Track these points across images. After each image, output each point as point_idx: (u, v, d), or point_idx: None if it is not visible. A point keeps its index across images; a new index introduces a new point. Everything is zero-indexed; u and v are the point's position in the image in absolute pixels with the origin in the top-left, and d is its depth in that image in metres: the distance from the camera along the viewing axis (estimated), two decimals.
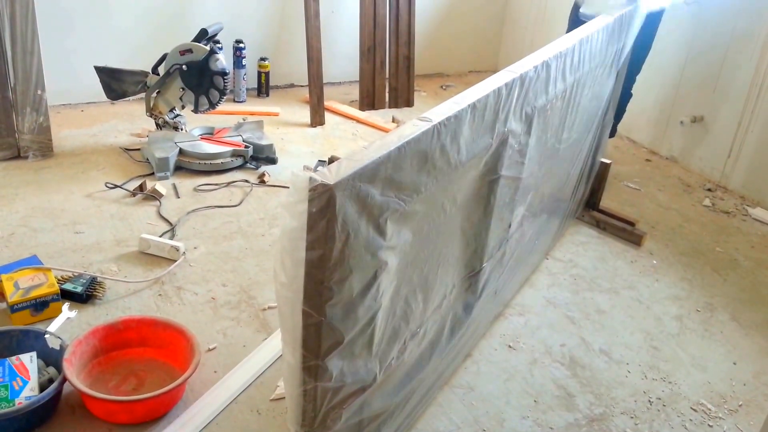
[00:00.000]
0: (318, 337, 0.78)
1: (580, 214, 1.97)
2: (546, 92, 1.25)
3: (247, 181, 2.07)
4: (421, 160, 0.87)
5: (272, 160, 2.20)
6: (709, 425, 1.26)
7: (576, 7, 1.95)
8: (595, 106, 1.76)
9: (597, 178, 1.90)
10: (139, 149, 2.20)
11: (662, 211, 2.10)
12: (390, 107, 2.81)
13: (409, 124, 0.87)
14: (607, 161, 1.92)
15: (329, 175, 0.71)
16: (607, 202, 2.01)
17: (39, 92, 2.00)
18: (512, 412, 1.24)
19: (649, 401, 1.31)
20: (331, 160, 1.87)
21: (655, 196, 2.20)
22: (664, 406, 1.30)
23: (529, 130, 1.22)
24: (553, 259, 1.77)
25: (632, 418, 1.27)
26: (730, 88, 2.21)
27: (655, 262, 1.81)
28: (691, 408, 1.30)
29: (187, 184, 2.02)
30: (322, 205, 0.71)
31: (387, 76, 2.78)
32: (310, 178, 0.70)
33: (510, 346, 1.42)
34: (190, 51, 2.11)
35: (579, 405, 1.28)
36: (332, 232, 0.73)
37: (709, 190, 2.27)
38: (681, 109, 2.40)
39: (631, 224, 1.91)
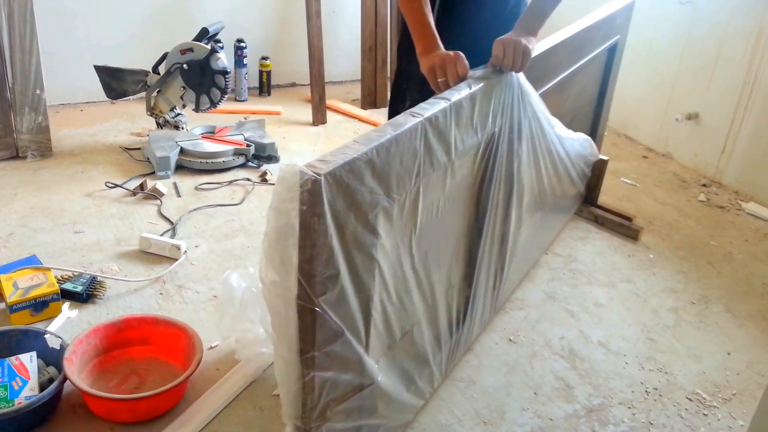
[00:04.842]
0: (313, 329, 0.78)
1: (579, 210, 1.98)
2: (536, 86, 1.26)
3: (248, 179, 2.07)
4: (411, 157, 0.87)
5: (274, 159, 2.21)
6: (704, 414, 1.28)
7: None
8: (585, 99, 1.78)
9: (595, 175, 1.92)
10: (139, 148, 2.21)
11: (658, 207, 2.12)
12: None
13: (397, 119, 0.87)
14: (605, 158, 1.93)
15: (318, 168, 0.71)
16: (604, 197, 2.02)
17: (38, 92, 2.00)
18: (513, 404, 1.26)
19: (646, 391, 1.33)
20: None
21: (652, 191, 2.22)
22: (660, 396, 1.32)
23: (519, 126, 1.23)
24: (552, 254, 1.79)
25: (629, 408, 1.28)
26: (724, 85, 2.23)
27: (651, 256, 1.83)
28: (687, 397, 1.32)
29: (188, 183, 2.03)
30: (313, 198, 0.70)
31: (388, 74, 2.79)
32: (300, 172, 0.70)
33: (510, 340, 1.44)
34: (191, 50, 2.12)
35: (578, 396, 1.30)
36: (324, 227, 0.73)
37: (704, 185, 2.29)
38: (676, 107, 2.42)
39: (629, 219, 1.93)
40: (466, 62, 1.07)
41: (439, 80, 1.07)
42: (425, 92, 1.09)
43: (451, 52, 1.08)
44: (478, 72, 1.10)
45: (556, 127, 1.39)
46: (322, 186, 0.71)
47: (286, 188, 0.71)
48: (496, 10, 1.31)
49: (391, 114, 1.37)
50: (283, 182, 0.71)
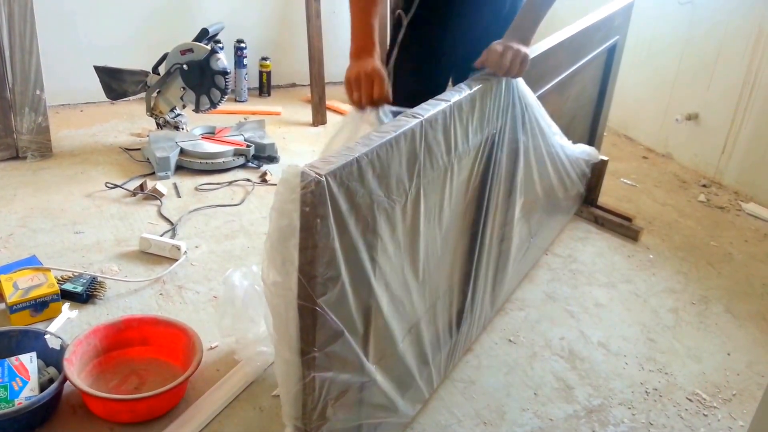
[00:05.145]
0: (314, 329, 0.79)
1: (579, 210, 1.99)
2: (535, 86, 1.26)
3: (248, 180, 2.07)
4: (411, 158, 0.87)
5: (274, 159, 2.21)
6: (704, 414, 1.28)
7: None
8: (584, 100, 1.78)
9: (595, 175, 1.93)
10: (139, 149, 2.21)
11: (658, 207, 2.12)
12: None
13: (398, 120, 0.87)
14: (605, 158, 1.94)
15: (320, 169, 0.72)
16: (605, 198, 2.03)
17: (38, 92, 2.00)
18: (513, 405, 1.26)
19: (646, 392, 1.33)
20: None
21: (652, 192, 2.22)
22: (660, 396, 1.32)
23: (522, 127, 1.23)
24: (552, 255, 1.79)
25: (629, 408, 1.28)
26: (724, 85, 2.23)
27: (651, 256, 1.83)
28: (687, 398, 1.32)
29: (188, 183, 2.03)
30: (315, 199, 0.70)
31: None
32: (302, 173, 0.70)
33: (510, 340, 1.44)
34: (191, 50, 2.13)
35: (578, 397, 1.30)
36: (326, 228, 0.73)
37: (704, 186, 2.29)
38: (676, 107, 2.42)
39: (629, 220, 1.93)
40: (386, 85, 0.95)
41: (353, 95, 0.98)
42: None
43: (371, 69, 0.95)
44: (477, 74, 1.10)
45: (556, 134, 1.40)
46: (324, 187, 0.71)
47: (289, 189, 0.71)
48: (496, 9, 1.31)
49: None
50: (285, 183, 0.71)
